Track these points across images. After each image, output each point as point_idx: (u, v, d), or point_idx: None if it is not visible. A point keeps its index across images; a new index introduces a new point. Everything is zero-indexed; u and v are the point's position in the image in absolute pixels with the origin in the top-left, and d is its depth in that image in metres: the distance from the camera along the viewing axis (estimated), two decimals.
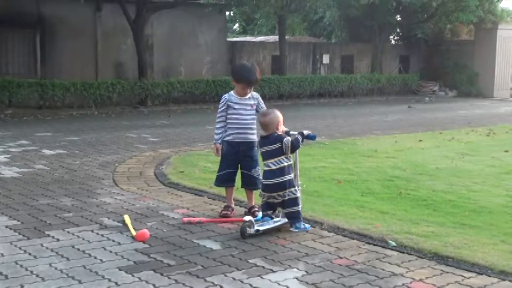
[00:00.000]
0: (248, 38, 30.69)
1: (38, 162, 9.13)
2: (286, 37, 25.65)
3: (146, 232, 5.29)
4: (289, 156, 5.64)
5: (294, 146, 5.63)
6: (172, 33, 22.37)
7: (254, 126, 6.10)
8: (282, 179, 5.55)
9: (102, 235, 5.35)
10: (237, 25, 42.77)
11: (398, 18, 29.51)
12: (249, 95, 6.03)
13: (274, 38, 27.10)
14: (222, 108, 6.04)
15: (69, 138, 11.89)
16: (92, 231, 5.46)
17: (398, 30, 30.93)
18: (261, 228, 5.42)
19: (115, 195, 6.98)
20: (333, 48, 27.99)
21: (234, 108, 5.99)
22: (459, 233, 5.54)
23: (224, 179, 6.17)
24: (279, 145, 5.57)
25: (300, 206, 5.69)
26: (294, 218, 5.63)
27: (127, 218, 5.79)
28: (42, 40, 19.66)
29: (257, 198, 6.13)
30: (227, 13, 28.40)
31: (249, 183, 6.11)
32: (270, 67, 25.33)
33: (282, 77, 23.10)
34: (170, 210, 6.32)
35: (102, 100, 18.29)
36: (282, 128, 5.73)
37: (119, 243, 5.13)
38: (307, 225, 5.67)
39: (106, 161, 9.29)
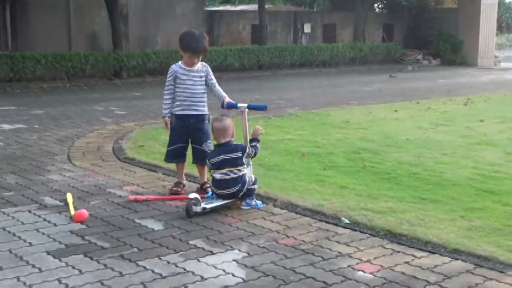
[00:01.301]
0: (228, 8, 30.13)
1: None
2: (267, 6, 25.16)
3: (84, 212, 4.98)
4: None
5: (256, 154, 5.43)
6: (148, 2, 21.84)
7: (204, 99, 5.76)
8: (238, 186, 5.22)
9: (39, 216, 5.03)
10: None
11: None
12: (198, 66, 5.68)
13: (254, 7, 26.57)
14: (170, 80, 5.70)
15: (33, 112, 11.50)
16: (30, 212, 5.14)
17: None
18: (208, 206, 5.12)
19: (65, 172, 6.65)
20: (314, 17, 27.53)
21: (182, 79, 5.64)
22: (417, 208, 5.27)
23: (174, 154, 5.86)
24: (240, 154, 5.26)
25: (256, 186, 5.41)
26: (246, 195, 5.34)
27: (69, 196, 5.47)
28: (13, 13, 19.11)
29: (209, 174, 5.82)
30: None
31: (201, 158, 5.78)
32: (250, 37, 24.88)
33: (261, 47, 22.67)
34: (118, 187, 6.00)
35: (75, 72, 17.84)
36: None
37: (54, 225, 4.82)
38: (258, 202, 5.38)
39: (65, 136, 8.94)
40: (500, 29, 36.74)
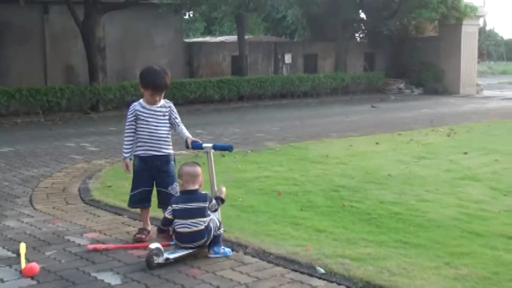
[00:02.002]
0: (207, 39, 29.90)
1: None
2: (247, 37, 24.98)
3: (35, 266, 4.54)
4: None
5: (219, 205, 5.05)
6: (126, 34, 21.53)
7: (169, 138, 5.39)
8: (204, 238, 4.83)
9: None
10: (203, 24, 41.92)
11: (363, 15, 29.05)
12: (160, 103, 5.32)
13: (234, 38, 26.34)
14: (131, 119, 5.32)
15: (1, 150, 11.04)
16: None
17: (363, 27, 30.44)
18: (171, 256, 4.70)
19: (24, 217, 6.21)
20: (295, 47, 27.37)
21: (144, 118, 5.27)
22: (399, 254, 4.89)
23: (139, 199, 5.45)
24: (207, 204, 4.87)
25: (222, 230, 5.02)
26: (214, 242, 4.93)
27: (22, 247, 5.03)
28: None
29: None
30: (189, 13, 27.68)
31: (166, 202, 5.35)
32: (230, 68, 24.62)
33: (241, 78, 22.40)
34: (79, 234, 5.57)
35: (50, 106, 17.41)
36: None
37: (2, 281, 4.38)
38: (227, 250, 4.98)
39: (31, 176, 8.50)
40: (481, 56, 36.81)
